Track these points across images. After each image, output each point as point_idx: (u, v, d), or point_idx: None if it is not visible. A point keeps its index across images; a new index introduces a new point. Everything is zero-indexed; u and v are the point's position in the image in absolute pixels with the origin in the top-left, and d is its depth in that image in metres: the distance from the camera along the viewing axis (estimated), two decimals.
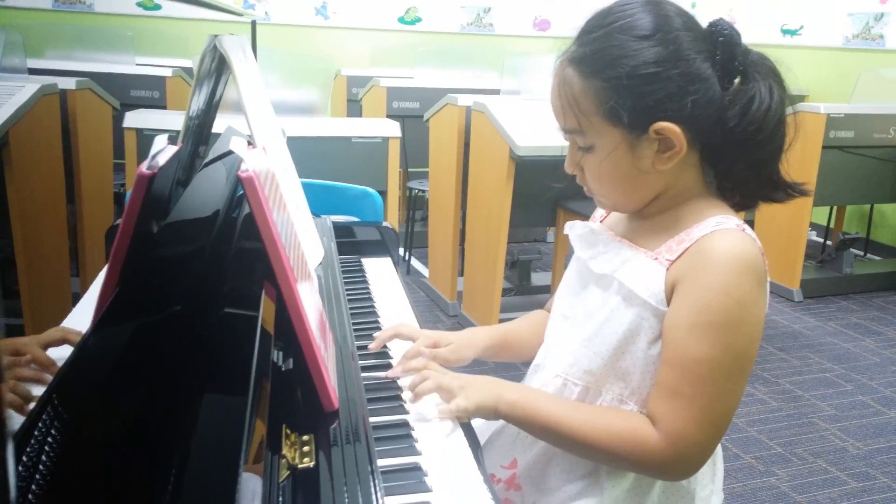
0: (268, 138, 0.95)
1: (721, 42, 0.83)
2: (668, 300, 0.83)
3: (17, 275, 2.24)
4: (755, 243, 0.83)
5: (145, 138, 2.37)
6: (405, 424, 0.88)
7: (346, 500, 0.66)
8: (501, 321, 1.26)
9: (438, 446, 0.84)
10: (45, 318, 2.31)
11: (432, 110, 3.18)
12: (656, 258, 0.85)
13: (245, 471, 0.49)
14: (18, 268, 2.24)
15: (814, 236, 4.38)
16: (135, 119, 2.39)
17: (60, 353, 0.93)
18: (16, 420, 0.64)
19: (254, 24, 2.43)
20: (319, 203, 1.51)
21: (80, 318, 1.10)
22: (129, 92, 3.27)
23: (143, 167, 0.73)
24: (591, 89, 0.83)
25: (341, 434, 0.75)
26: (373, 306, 1.26)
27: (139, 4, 4.97)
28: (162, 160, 0.76)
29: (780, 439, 2.28)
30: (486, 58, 4.40)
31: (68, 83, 2.55)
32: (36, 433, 0.51)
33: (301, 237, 0.86)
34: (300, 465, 0.69)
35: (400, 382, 0.98)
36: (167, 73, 3.37)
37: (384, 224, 1.56)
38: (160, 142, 0.83)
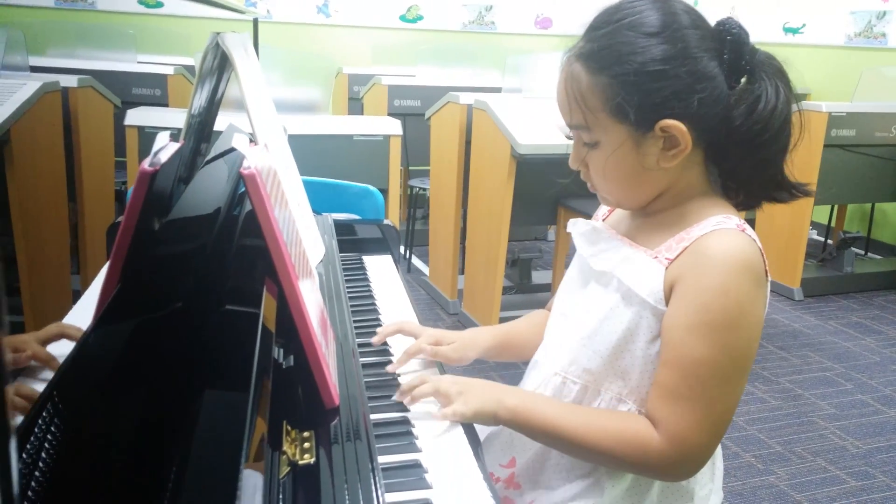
0: (269, 136, 0.95)
1: (729, 41, 0.83)
2: (667, 299, 0.83)
3: (18, 272, 2.24)
4: (754, 243, 0.83)
5: (147, 136, 2.37)
6: (406, 421, 0.88)
7: (347, 497, 0.66)
8: (502, 320, 1.26)
9: (439, 443, 0.85)
10: (46, 315, 2.31)
11: (433, 108, 3.18)
12: (656, 257, 0.85)
13: (246, 467, 0.49)
14: (20, 265, 2.24)
15: (814, 235, 4.38)
16: (136, 117, 2.39)
17: (61, 350, 0.93)
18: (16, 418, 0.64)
19: (256, 21, 2.43)
20: (320, 201, 1.51)
21: (81, 315, 1.10)
22: (130, 90, 3.27)
23: (146, 164, 0.73)
24: (598, 85, 0.83)
25: (342, 430, 0.75)
26: (374, 304, 1.26)
27: (141, 2, 4.96)
28: (164, 157, 0.76)
29: (779, 438, 2.28)
30: (487, 56, 4.39)
31: (70, 81, 2.55)
32: (36, 430, 0.51)
33: (302, 234, 0.86)
34: (301, 462, 0.69)
35: (399, 381, 0.98)
36: (169, 70, 3.37)
37: (385, 222, 1.56)
38: (162, 139, 0.83)
